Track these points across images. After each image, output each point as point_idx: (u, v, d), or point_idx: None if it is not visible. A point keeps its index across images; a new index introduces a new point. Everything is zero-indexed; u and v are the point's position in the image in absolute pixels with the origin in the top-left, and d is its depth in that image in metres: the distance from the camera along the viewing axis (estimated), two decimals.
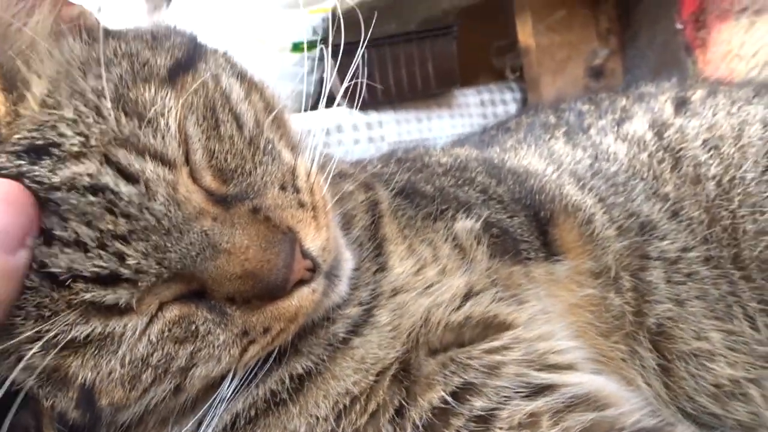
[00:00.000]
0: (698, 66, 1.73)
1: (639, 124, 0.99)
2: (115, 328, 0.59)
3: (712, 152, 0.91)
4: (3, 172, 0.57)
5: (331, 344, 0.70)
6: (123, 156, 0.58)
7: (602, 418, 0.67)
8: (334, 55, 0.85)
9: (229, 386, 0.64)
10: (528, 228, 0.87)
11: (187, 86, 0.65)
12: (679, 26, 1.80)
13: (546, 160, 0.99)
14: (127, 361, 0.59)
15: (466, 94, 1.98)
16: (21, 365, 0.56)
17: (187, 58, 0.68)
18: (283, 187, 0.66)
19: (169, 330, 0.61)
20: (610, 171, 0.94)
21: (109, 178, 0.57)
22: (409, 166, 0.93)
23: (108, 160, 0.57)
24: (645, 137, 0.96)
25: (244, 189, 0.64)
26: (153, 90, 0.62)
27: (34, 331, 0.56)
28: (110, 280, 0.57)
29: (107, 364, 0.59)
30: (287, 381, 0.68)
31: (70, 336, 0.57)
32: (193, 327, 0.61)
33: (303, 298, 0.63)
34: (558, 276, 0.84)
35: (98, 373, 0.59)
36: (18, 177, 0.56)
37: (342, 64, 0.87)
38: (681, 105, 1.00)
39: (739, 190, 0.88)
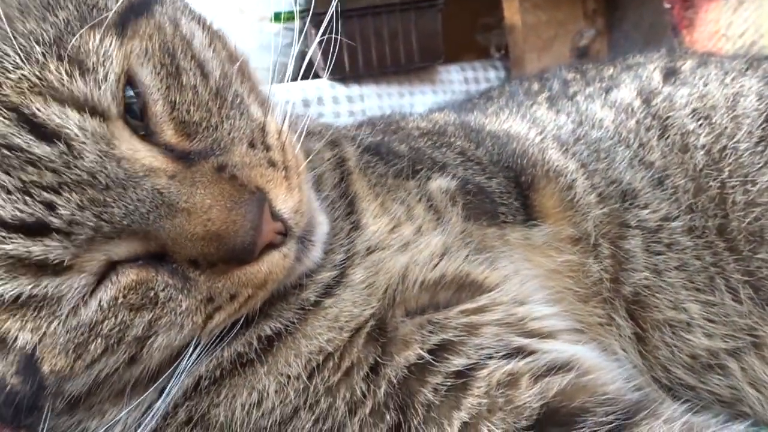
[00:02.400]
0: (685, 46, 1.72)
1: (626, 92, 0.97)
2: (50, 289, 0.53)
3: (701, 121, 0.89)
4: None
5: (303, 308, 0.67)
6: (40, 109, 0.52)
7: (583, 383, 0.66)
8: (317, 25, 0.81)
9: (191, 356, 0.60)
10: (507, 190, 0.86)
11: (141, 32, 0.59)
12: (667, 5, 1.78)
13: (528, 124, 0.97)
14: (72, 326, 0.54)
15: (449, 71, 1.95)
16: None
17: (140, 2, 0.63)
18: (252, 145, 0.62)
19: (124, 297, 0.56)
20: (593, 137, 0.93)
21: (18, 138, 0.51)
22: (383, 128, 0.90)
23: (20, 114, 0.51)
24: (633, 104, 0.94)
25: (209, 145, 0.59)
26: (98, 36, 0.55)
27: None
28: (38, 230, 0.51)
29: (48, 327, 0.54)
30: (255, 343, 0.65)
31: None
32: (152, 293, 0.56)
33: (273, 264, 0.59)
34: (535, 241, 0.83)
35: (39, 338, 0.54)
36: None
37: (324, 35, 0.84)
38: (670, 74, 0.98)
39: (730, 160, 0.86)
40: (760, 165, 0.83)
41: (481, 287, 0.72)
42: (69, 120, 0.52)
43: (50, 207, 0.52)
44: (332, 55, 0.92)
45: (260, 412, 0.65)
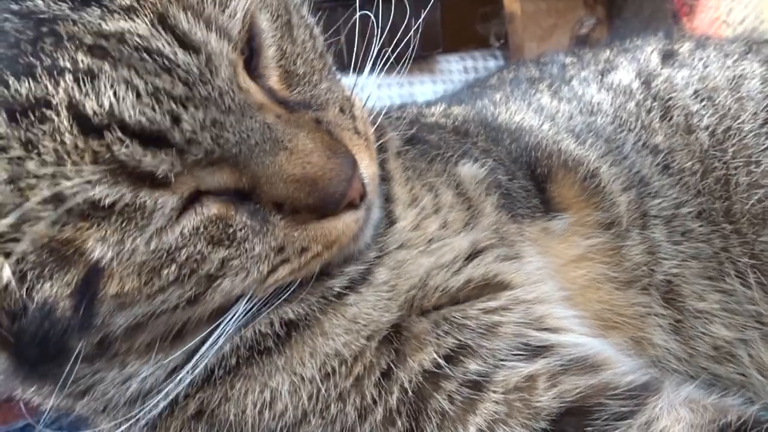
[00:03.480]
0: (684, 33, 1.71)
1: (624, 74, 0.96)
2: (146, 201, 0.51)
3: (704, 102, 0.89)
4: (35, 16, 0.49)
5: (325, 297, 0.66)
6: (184, 20, 0.52)
7: (599, 380, 0.65)
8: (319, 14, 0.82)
9: (237, 314, 0.58)
10: (527, 189, 0.85)
11: None
12: None
13: (538, 114, 0.96)
14: (152, 248, 0.52)
15: (449, 60, 1.95)
16: (30, 236, 0.48)
17: None
18: (342, 110, 0.64)
19: (205, 228, 0.54)
20: (598, 125, 0.91)
21: (163, 43, 0.50)
22: (409, 120, 0.90)
23: (164, 23, 0.51)
24: (631, 86, 0.94)
25: (308, 99, 0.61)
26: None
27: (51, 191, 0.48)
28: (155, 141, 0.50)
29: (132, 242, 0.51)
30: (276, 325, 0.64)
31: (91, 197, 0.49)
32: (230, 230, 0.55)
33: (346, 225, 0.59)
34: (555, 232, 0.82)
35: (118, 252, 0.51)
36: (53, 21, 0.48)
37: (325, 25, 0.83)
38: (668, 56, 0.98)
39: (734, 141, 0.86)
40: (764, 147, 0.83)
41: (506, 286, 0.72)
42: (210, 37, 0.52)
43: (175, 120, 0.50)
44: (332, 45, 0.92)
45: (271, 413, 0.63)
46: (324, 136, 0.58)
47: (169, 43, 0.51)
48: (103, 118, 0.49)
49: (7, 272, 0.50)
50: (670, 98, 0.91)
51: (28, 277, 0.51)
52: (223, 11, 0.54)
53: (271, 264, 0.58)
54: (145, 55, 0.50)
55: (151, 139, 0.50)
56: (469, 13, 2.17)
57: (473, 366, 0.64)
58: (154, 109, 0.50)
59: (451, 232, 0.73)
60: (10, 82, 0.47)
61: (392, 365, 0.64)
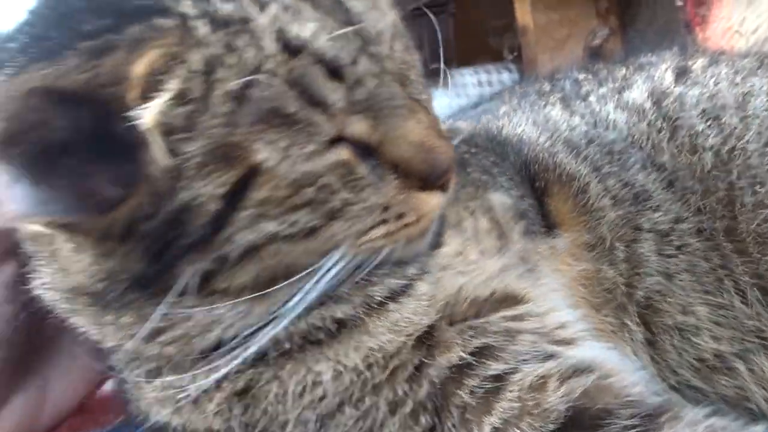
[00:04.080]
0: (698, 44, 1.71)
1: (638, 93, 0.97)
2: (313, 121, 0.55)
3: (710, 122, 0.88)
4: None
5: (368, 303, 0.69)
6: None
7: (606, 384, 0.66)
8: None
9: (326, 272, 0.62)
10: (532, 204, 0.87)
11: None
12: (679, 3, 1.78)
13: (540, 127, 0.98)
14: (304, 167, 0.56)
15: (463, 74, 1.96)
16: (204, 130, 0.53)
17: None
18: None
19: (338, 167, 0.59)
20: (607, 139, 0.93)
21: (355, 3, 0.60)
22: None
23: None
24: (644, 106, 0.94)
25: (421, 92, 0.66)
26: None
27: (238, 90, 0.53)
28: (333, 73, 0.56)
29: (293, 151, 0.55)
30: (327, 320, 0.67)
31: (275, 103, 0.54)
32: (354, 177, 0.60)
33: (435, 202, 0.64)
34: (558, 250, 0.83)
35: (279, 159, 0.55)
36: None
37: None
38: (682, 74, 0.97)
39: (738, 162, 0.84)
40: None
41: (520, 300, 0.74)
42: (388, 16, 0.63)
43: (353, 62, 0.57)
44: None
45: (310, 398, 0.66)
46: (437, 120, 0.64)
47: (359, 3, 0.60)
48: (301, 43, 0.55)
49: (163, 154, 0.54)
50: (678, 118, 0.90)
51: (188, 172, 0.54)
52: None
53: (374, 220, 0.62)
54: (338, 6, 0.58)
55: (331, 71, 0.56)
56: (482, 27, 2.19)
57: (495, 365, 0.67)
58: (341, 48, 0.56)
59: (486, 258, 0.77)
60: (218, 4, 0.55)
61: (423, 361, 0.67)
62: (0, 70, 0.52)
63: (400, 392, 0.66)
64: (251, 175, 0.55)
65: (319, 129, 0.56)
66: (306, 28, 0.55)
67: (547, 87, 1.09)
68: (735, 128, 0.87)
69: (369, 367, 0.66)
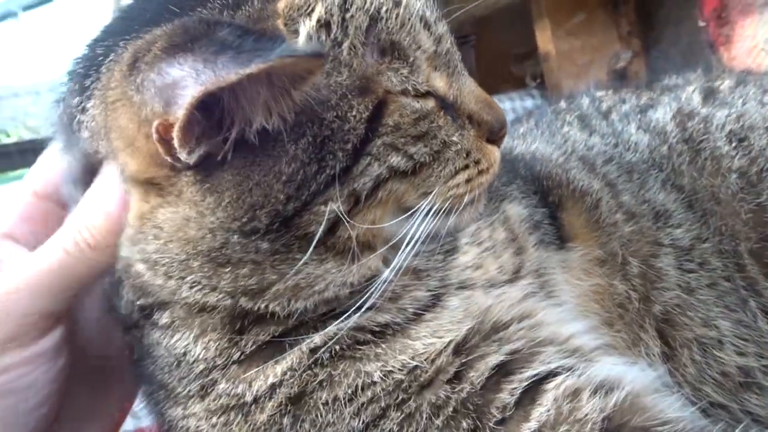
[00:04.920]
0: (723, 63, 1.70)
1: (662, 113, 0.97)
2: (416, 55, 0.68)
3: (736, 144, 0.89)
4: None
5: (403, 314, 0.72)
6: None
7: (641, 402, 0.67)
8: None
9: (424, 217, 0.69)
10: (544, 215, 0.88)
11: None
12: (701, 24, 1.78)
13: (554, 144, 0.99)
14: (419, 104, 0.68)
15: None
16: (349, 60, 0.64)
17: None
18: None
19: (432, 112, 0.68)
20: (627, 159, 0.94)
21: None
22: None
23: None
24: (666, 128, 0.95)
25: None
26: None
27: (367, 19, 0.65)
28: (426, 28, 0.69)
29: (411, 79, 0.67)
30: (372, 324, 0.70)
31: (391, 39, 0.66)
32: (442, 121, 0.70)
33: (497, 156, 0.75)
34: (571, 264, 0.85)
35: (401, 85, 0.66)
36: None
37: None
38: (709, 94, 0.97)
39: (767, 183, 0.85)
40: None
41: (530, 315, 0.76)
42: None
43: (432, 24, 0.71)
44: None
45: (358, 403, 0.67)
46: None
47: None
48: (425, 12, 0.70)
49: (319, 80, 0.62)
50: (702, 140, 0.91)
51: (336, 100, 0.64)
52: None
53: (460, 164, 0.71)
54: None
55: (424, 23, 0.69)
56: (504, 55, 2.21)
57: (528, 371, 0.69)
58: (427, 10, 0.70)
59: (507, 279, 0.80)
60: None
61: (465, 363, 0.70)
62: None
63: (442, 395, 0.68)
64: (383, 103, 0.65)
65: (420, 66, 0.68)
66: (423, 5, 0.69)
67: (563, 105, 1.11)
68: (764, 149, 0.87)
69: (415, 368, 0.69)
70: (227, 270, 0.65)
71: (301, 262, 0.64)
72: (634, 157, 0.94)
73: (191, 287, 0.66)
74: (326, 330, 0.68)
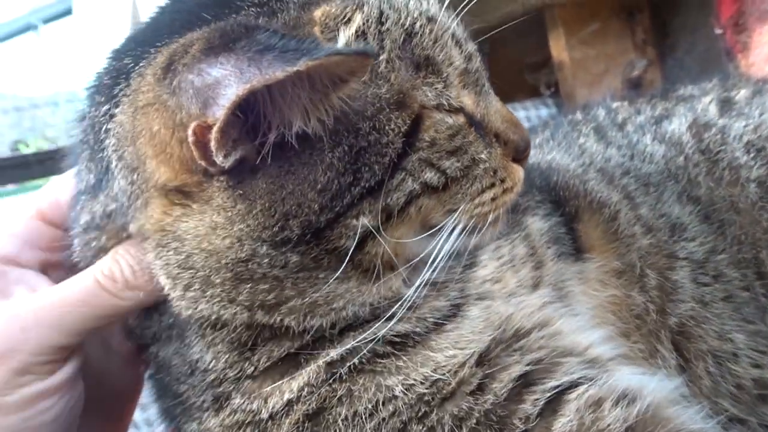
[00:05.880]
0: (741, 70, 1.68)
1: (678, 124, 0.97)
2: (448, 71, 0.68)
3: (754, 153, 0.88)
4: None
5: (423, 324, 0.71)
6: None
7: (662, 414, 0.66)
8: None
9: (449, 234, 0.69)
10: (561, 227, 0.87)
11: None
12: (718, 31, 1.76)
13: (572, 155, 0.99)
14: (452, 119, 0.68)
15: None
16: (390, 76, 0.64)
17: None
18: None
19: (463, 128, 0.69)
20: (643, 171, 0.93)
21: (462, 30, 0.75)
22: None
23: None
24: (682, 139, 0.94)
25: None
26: None
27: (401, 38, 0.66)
28: (458, 46, 0.70)
29: (445, 93, 0.67)
30: (392, 335, 0.69)
31: (425, 54, 0.67)
32: (471, 138, 0.69)
33: (521, 174, 0.75)
34: (587, 275, 0.85)
35: (436, 99, 0.67)
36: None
37: None
38: (725, 105, 0.97)
39: None
40: None
41: (550, 324, 0.76)
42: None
43: (463, 42, 0.72)
44: None
45: (379, 418, 0.66)
46: None
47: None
48: (433, 14, 0.70)
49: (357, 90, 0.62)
50: (719, 151, 0.91)
51: (374, 112, 0.64)
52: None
53: (487, 182, 0.71)
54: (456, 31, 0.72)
55: (455, 40, 0.70)
56: (518, 65, 2.20)
57: (550, 383, 0.68)
58: (460, 32, 0.72)
59: (526, 290, 0.80)
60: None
61: (487, 374, 0.69)
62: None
63: (465, 407, 0.67)
64: (419, 118, 0.65)
65: (452, 82, 0.68)
66: (432, 7, 0.70)
67: (579, 116, 1.10)
68: None
69: (437, 381, 0.67)
70: (248, 286, 0.64)
71: (334, 278, 0.64)
72: (650, 168, 0.93)
73: (209, 301, 0.65)
74: (344, 344, 0.67)
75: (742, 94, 0.98)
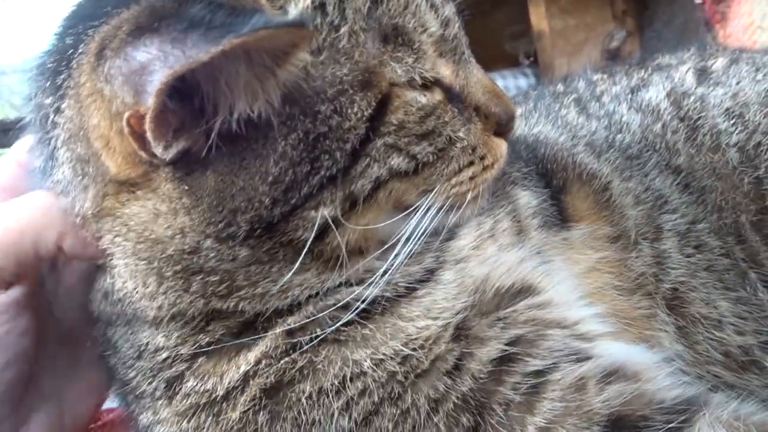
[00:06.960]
0: (719, 41, 1.68)
1: (655, 93, 0.96)
2: (421, 39, 0.63)
3: (734, 120, 0.88)
4: None
5: (394, 289, 0.67)
6: None
7: (643, 390, 0.65)
8: None
9: (424, 215, 0.66)
10: (545, 198, 0.87)
11: None
12: (698, 1, 1.75)
13: (558, 128, 0.98)
14: (425, 98, 0.63)
15: None
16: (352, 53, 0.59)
17: None
18: None
19: (438, 106, 0.64)
20: (624, 143, 0.92)
21: None
22: None
23: None
24: (660, 106, 0.94)
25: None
26: None
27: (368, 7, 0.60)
28: (433, 10, 0.65)
29: (416, 68, 0.62)
30: (356, 300, 0.64)
31: (393, 23, 0.61)
32: (449, 116, 0.65)
33: (504, 149, 0.71)
34: (573, 241, 0.84)
35: (406, 75, 0.62)
36: None
37: None
38: (702, 74, 0.97)
39: (765, 156, 0.85)
40: None
41: (539, 291, 0.74)
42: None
43: (441, 6, 0.66)
44: None
45: (347, 396, 0.62)
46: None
47: None
48: (433, 0, 0.65)
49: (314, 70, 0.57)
50: (699, 118, 0.90)
51: (334, 94, 0.58)
52: None
53: (465, 160, 0.67)
54: None
55: (430, 4, 0.65)
56: (497, 33, 2.19)
57: (533, 361, 0.66)
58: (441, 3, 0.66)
59: (504, 251, 0.78)
60: None
61: (464, 353, 0.66)
62: None
63: (441, 388, 0.63)
64: (387, 98, 0.60)
65: (426, 52, 0.63)
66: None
67: (560, 88, 1.09)
68: (759, 124, 0.87)
69: (409, 356, 0.64)
70: (199, 278, 0.61)
71: (288, 277, 0.60)
72: (628, 138, 0.93)
73: (164, 293, 0.62)
74: (304, 311, 0.63)
75: (719, 63, 0.97)
